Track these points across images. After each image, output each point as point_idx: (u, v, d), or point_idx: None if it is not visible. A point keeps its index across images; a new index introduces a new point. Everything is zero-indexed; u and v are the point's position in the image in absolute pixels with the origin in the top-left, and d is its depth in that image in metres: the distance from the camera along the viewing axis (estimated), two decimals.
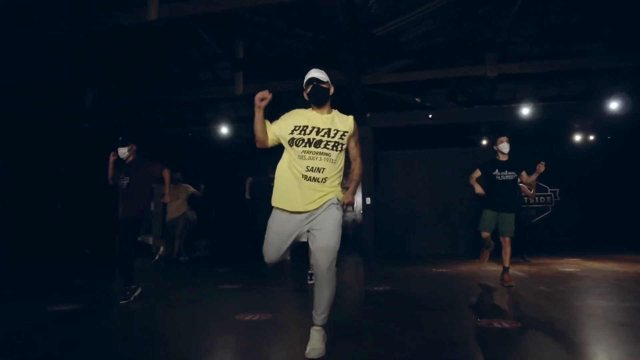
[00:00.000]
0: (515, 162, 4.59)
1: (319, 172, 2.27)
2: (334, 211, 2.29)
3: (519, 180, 4.64)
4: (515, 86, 8.18)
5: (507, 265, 4.57)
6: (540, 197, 9.07)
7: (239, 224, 9.74)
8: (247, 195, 7.82)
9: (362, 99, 6.97)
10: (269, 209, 2.41)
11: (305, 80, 2.38)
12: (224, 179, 9.82)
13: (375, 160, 8.89)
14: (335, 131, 2.31)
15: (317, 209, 2.27)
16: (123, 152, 4.22)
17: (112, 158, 4.35)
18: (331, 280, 2.24)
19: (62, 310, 3.65)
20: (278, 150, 2.46)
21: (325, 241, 2.21)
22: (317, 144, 2.27)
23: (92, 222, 10.08)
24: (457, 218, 8.82)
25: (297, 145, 2.28)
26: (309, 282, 4.84)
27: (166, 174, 4.40)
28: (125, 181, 4.14)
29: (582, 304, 3.67)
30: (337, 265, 2.27)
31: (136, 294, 4.06)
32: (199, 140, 9.03)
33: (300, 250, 7.21)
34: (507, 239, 4.54)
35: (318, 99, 2.35)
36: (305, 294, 4.58)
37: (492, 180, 4.59)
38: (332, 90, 2.39)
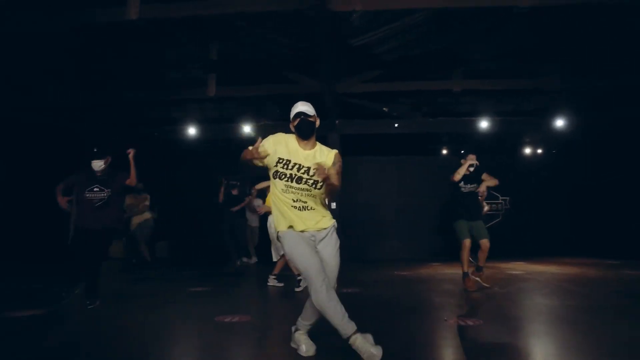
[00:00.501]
0: (477, 175, 5.02)
1: (304, 203, 2.41)
2: (334, 238, 2.47)
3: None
4: (475, 100, 8.72)
5: (481, 264, 4.93)
6: (492, 205, 9.75)
7: (200, 226, 9.70)
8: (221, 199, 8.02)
9: (334, 106, 7.21)
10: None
11: (292, 114, 2.44)
12: (187, 180, 9.76)
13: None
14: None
15: (318, 231, 2.42)
16: (99, 165, 4.15)
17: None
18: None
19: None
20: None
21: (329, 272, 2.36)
22: (298, 180, 2.38)
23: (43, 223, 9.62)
24: (419, 223, 9.27)
25: (280, 179, 2.40)
26: (296, 289, 4.92)
27: (130, 182, 4.34)
28: (105, 194, 4.14)
29: (531, 303, 4.13)
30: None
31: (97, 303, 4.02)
32: (164, 140, 8.88)
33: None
34: (486, 241, 4.85)
35: (305, 132, 2.42)
36: (279, 296, 4.75)
37: (458, 191, 4.98)
38: (318, 122, 2.48)
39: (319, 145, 2.54)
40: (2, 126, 7.66)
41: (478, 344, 2.75)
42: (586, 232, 8.89)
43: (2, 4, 4.47)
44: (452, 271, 6.60)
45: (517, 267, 6.97)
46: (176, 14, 4.57)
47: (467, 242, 4.87)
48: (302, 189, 2.39)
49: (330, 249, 2.43)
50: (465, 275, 4.84)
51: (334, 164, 2.44)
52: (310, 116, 2.42)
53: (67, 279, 4.57)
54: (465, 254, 4.87)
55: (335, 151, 2.54)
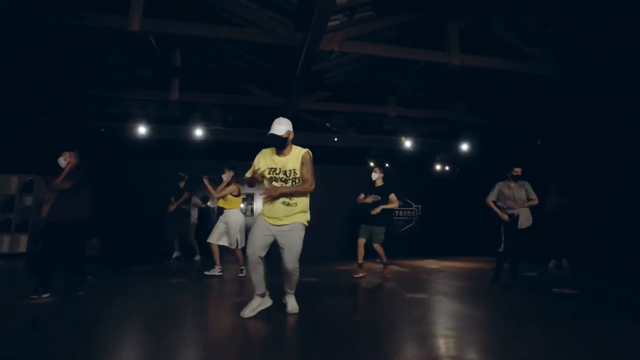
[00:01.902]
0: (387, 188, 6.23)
1: (290, 199, 3.30)
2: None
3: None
4: (399, 121, 10.31)
5: (384, 260, 6.15)
6: (407, 212, 11.48)
7: (136, 224, 9.66)
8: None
9: (289, 119, 8.05)
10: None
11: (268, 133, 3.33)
12: (130, 178, 9.67)
13: None
14: (291, 170, 3.31)
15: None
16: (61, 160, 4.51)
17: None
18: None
19: None
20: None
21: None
22: (285, 181, 3.30)
23: None
24: (342, 226, 10.46)
25: (275, 181, 3.31)
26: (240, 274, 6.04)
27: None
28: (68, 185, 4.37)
29: (450, 284, 5.49)
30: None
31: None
32: (112, 137, 8.76)
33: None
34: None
35: (277, 146, 3.34)
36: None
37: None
38: (291, 136, 3.34)
39: (294, 149, 3.37)
40: None
41: (429, 310, 3.91)
42: (478, 236, 11.02)
43: None
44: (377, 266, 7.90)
45: (432, 263, 8.55)
46: (175, 31, 5.02)
47: (361, 241, 6.13)
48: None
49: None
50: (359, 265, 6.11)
51: (302, 163, 3.31)
52: (278, 136, 3.27)
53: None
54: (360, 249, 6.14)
55: (303, 152, 3.38)
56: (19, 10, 4.77)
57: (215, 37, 5.19)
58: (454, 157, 10.76)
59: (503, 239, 5.73)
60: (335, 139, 9.54)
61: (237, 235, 5.97)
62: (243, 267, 6.11)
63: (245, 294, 4.46)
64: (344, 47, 5.29)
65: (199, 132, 8.72)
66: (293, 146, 3.38)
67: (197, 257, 8.59)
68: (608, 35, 5.74)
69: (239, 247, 6.00)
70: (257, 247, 3.22)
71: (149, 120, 8.81)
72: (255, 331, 2.96)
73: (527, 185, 5.69)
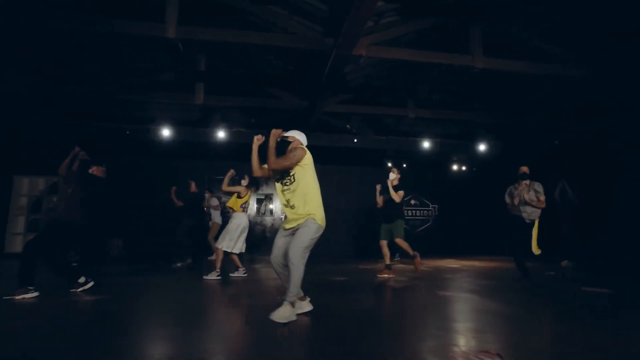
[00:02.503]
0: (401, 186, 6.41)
1: (289, 202, 3.33)
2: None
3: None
4: (413, 121, 10.43)
5: (411, 253, 6.23)
6: (424, 211, 11.59)
7: (157, 223, 9.86)
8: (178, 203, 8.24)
9: (314, 121, 8.23)
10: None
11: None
12: (153, 180, 9.89)
13: None
14: (292, 174, 3.27)
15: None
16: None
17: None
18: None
19: None
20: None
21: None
22: (286, 185, 3.31)
23: None
24: (361, 225, 10.62)
25: (284, 189, 3.36)
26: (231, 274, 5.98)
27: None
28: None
29: (476, 282, 5.60)
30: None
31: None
32: (136, 139, 8.99)
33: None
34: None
35: (281, 149, 3.30)
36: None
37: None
38: (297, 143, 3.35)
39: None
40: None
41: (459, 308, 4.03)
42: (496, 236, 11.07)
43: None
44: (403, 266, 8.03)
45: (452, 263, 8.65)
46: (209, 37, 5.21)
47: (383, 242, 6.27)
48: (286, 190, 3.32)
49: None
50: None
51: (289, 151, 3.30)
52: (285, 137, 3.36)
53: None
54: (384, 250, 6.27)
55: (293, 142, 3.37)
56: (58, 20, 4.97)
57: (247, 43, 5.33)
58: (470, 157, 10.85)
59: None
60: (355, 140, 9.67)
61: (235, 238, 5.78)
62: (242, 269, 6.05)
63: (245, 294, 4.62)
64: (371, 52, 5.43)
65: (221, 134, 8.91)
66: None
67: (212, 257, 8.59)
68: (632, 35, 5.81)
69: (235, 252, 5.82)
70: (276, 255, 3.36)
71: (171, 123, 9.02)
72: (274, 330, 3.10)
73: (537, 186, 5.67)
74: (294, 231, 3.30)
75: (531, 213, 5.64)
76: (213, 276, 5.66)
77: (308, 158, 3.32)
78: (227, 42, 5.26)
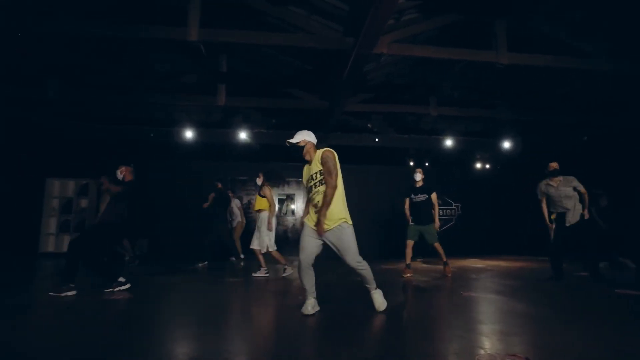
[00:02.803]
0: (428, 186, 6.35)
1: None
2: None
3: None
4: (436, 119, 10.28)
5: (444, 259, 6.28)
6: (447, 210, 11.41)
7: (181, 224, 10.05)
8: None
9: (334, 122, 8.23)
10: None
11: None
12: (177, 181, 10.09)
13: None
14: (316, 173, 3.41)
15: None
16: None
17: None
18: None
19: None
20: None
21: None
22: (314, 185, 3.41)
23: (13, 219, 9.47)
24: (386, 225, 10.55)
25: (310, 190, 3.47)
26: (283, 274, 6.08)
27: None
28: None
29: (502, 282, 5.47)
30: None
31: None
32: (160, 141, 9.20)
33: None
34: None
35: (296, 154, 3.49)
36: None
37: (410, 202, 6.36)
38: (309, 144, 3.45)
39: (317, 153, 3.45)
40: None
41: (490, 308, 3.95)
42: (522, 235, 10.83)
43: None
44: (425, 266, 7.93)
45: (476, 263, 8.48)
46: (230, 39, 5.26)
47: (410, 242, 6.26)
48: (317, 192, 3.38)
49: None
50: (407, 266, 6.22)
51: (322, 164, 3.33)
52: (292, 143, 3.46)
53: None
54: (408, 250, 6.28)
55: (322, 151, 3.39)
56: (89, 28, 5.13)
57: (267, 44, 5.36)
58: (494, 155, 10.61)
59: (552, 237, 5.65)
60: (377, 140, 9.62)
61: (266, 237, 5.96)
62: (286, 266, 6.16)
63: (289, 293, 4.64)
64: (392, 50, 5.38)
65: (242, 135, 9.01)
66: (317, 151, 3.48)
67: (233, 259, 8.62)
68: None
69: (270, 250, 5.98)
70: (308, 255, 3.42)
71: (194, 125, 9.18)
72: (297, 327, 3.11)
73: (575, 181, 5.49)
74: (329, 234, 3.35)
75: (574, 209, 5.44)
76: (262, 273, 6.03)
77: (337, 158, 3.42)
78: (248, 43, 5.29)
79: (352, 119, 9.40)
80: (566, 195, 5.46)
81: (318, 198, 3.35)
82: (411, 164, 10.83)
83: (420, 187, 6.31)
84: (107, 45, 6.89)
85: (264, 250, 5.97)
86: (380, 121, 10.11)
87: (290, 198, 11.08)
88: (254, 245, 6.02)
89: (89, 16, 5.33)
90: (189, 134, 8.94)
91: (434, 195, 6.26)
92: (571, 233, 5.44)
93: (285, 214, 10.94)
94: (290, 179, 11.13)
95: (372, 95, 8.24)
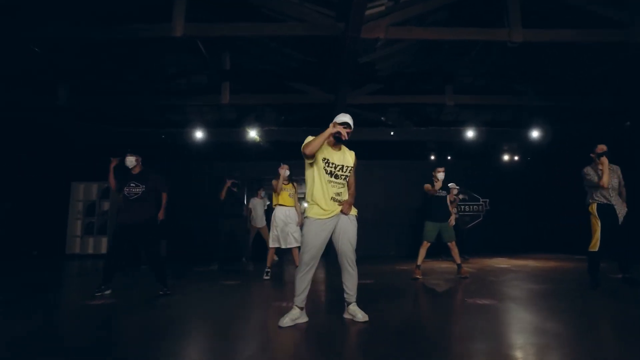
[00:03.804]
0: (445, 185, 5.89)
1: (339, 195, 3.11)
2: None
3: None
4: (459, 110, 9.65)
5: (458, 262, 5.82)
6: (474, 206, 10.69)
7: (198, 225, 10.03)
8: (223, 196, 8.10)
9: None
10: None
11: (340, 121, 3.08)
12: (191, 182, 10.08)
13: None
14: (347, 167, 3.14)
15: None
16: (131, 160, 4.53)
17: (113, 163, 4.55)
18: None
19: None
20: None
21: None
22: (337, 176, 3.10)
23: (42, 222, 9.81)
24: (403, 223, 10.00)
25: (325, 173, 3.07)
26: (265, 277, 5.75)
27: (165, 197, 4.79)
28: (139, 189, 4.44)
29: (523, 287, 4.90)
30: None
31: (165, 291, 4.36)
32: (174, 142, 9.21)
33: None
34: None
35: (341, 140, 3.12)
36: None
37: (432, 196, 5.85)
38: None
39: (344, 148, 3.24)
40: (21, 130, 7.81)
41: (494, 317, 3.45)
42: (557, 231, 9.94)
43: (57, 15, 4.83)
44: (444, 265, 7.40)
45: (502, 262, 7.83)
46: (217, 33, 5.05)
47: (427, 244, 5.82)
48: (338, 183, 3.11)
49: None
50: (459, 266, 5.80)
51: (354, 167, 3.21)
52: (350, 127, 3.12)
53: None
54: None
55: (354, 153, 3.26)
56: (72, 31, 5.07)
57: (259, 36, 5.13)
58: (523, 145, 9.79)
59: (600, 233, 4.84)
60: (392, 133, 9.12)
61: (292, 234, 5.68)
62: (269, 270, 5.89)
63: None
64: (390, 34, 4.95)
65: (252, 134, 8.82)
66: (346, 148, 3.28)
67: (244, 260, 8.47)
68: None
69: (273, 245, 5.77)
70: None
71: (206, 125, 9.11)
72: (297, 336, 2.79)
73: (619, 171, 4.76)
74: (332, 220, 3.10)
75: (620, 203, 4.69)
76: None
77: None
78: (238, 36, 5.08)
79: (365, 112, 8.94)
80: (613, 186, 4.73)
81: (340, 190, 3.13)
82: (432, 157, 10.23)
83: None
84: (116, 50, 6.91)
85: (291, 246, 5.69)
86: (397, 114, 9.60)
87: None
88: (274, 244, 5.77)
89: (78, 21, 5.25)
90: (199, 134, 8.86)
91: (452, 184, 5.85)
92: (618, 231, 4.68)
93: (304, 212, 10.66)
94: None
95: (384, 87, 7.78)
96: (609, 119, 8.52)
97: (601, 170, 4.66)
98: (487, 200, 10.67)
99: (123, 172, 4.60)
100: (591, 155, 4.82)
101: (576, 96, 7.82)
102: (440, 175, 5.78)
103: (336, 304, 3.74)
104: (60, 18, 5.10)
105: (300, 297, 3.07)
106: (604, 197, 4.68)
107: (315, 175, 3.12)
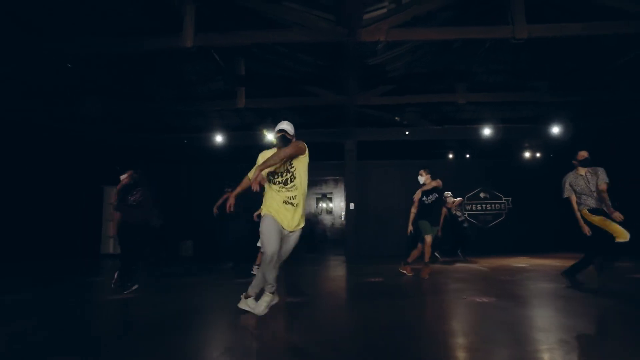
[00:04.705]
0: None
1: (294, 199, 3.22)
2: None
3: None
4: (476, 108, 9.50)
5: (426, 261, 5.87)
6: (496, 205, 10.47)
7: (222, 226, 10.34)
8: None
9: (351, 116, 7.95)
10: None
11: (276, 129, 3.35)
12: (213, 183, 10.45)
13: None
14: (291, 165, 3.21)
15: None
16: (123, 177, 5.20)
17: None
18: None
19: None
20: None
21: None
22: (282, 175, 3.21)
23: (79, 224, 10.45)
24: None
25: (276, 179, 3.22)
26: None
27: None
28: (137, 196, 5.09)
29: (535, 286, 4.83)
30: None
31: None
32: (195, 146, 9.60)
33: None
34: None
35: (282, 144, 3.29)
36: (308, 280, 5.43)
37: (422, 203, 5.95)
38: (294, 139, 3.32)
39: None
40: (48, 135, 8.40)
41: (490, 317, 3.47)
42: (580, 229, 9.56)
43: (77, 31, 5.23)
44: (458, 265, 7.33)
45: (521, 261, 7.67)
46: (225, 42, 5.29)
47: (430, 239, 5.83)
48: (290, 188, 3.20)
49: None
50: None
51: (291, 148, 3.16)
52: (289, 134, 3.34)
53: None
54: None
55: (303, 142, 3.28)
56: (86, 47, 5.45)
57: (264, 42, 5.30)
58: (545, 142, 9.52)
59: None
60: (407, 132, 9.11)
61: None
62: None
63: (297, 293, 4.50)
64: (391, 36, 5.02)
65: (269, 136, 9.06)
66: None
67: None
68: None
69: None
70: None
71: (225, 129, 9.44)
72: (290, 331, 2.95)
73: (600, 172, 4.70)
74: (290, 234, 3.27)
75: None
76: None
77: (307, 152, 3.29)
78: (244, 44, 5.30)
79: (379, 112, 8.99)
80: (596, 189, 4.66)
81: (295, 194, 3.23)
82: (450, 156, 10.12)
83: (430, 188, 5.92)
84: (138, 61, 7.32)
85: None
86: (414, 113, 9.57)
87: (326, 197, 10.95)
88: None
89: (97, 36, 5.64)
90: (219, 138, 9.20)
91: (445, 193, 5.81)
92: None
93: (320, 213, 10.83)
94: (328, 178, 10.98)
95: (397, 87, 7.80)
96: (634, 111, 8.15)
97: (581, 176, 4.78)
98: (510, 198, 10.42)
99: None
100: (573, 162, 4.80)
101: (597, 90, 7.55)
102: (420, 178, 6.04)
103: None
104: (81, 34, 5.52)
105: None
106: (593, 200, 4.71)
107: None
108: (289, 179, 3.19)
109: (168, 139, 9.63)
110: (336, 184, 10.82)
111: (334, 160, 10.00)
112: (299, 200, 3.21)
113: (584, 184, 4.74)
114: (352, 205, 9.05)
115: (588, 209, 4.67)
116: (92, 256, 10.45)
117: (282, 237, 3.18)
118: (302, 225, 3.32)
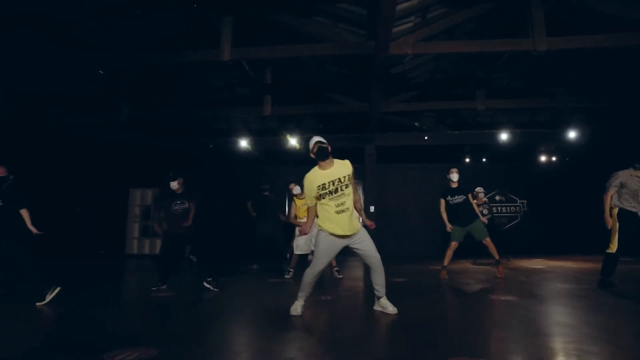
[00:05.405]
0: (465, 187, 5.95)
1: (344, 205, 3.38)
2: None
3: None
4: (493, 113, 9.74)
5: (496, 257, 5.89)
6: (511, 207, 10.69)
7: (245, 228, 10.67)
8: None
9: (374, 122, 8.26)
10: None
11: (311, 143, 3.43)
12: (236, 188, 10.81)
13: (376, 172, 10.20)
14: (345, 177, 3.37)
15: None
16: (174, 185, 5.15)
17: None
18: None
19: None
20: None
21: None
22: (337, 189, 3.34)
23: (105, 225, 10.89)
24: (439, 224, 10.15)
25: (322, 198, 3.37)
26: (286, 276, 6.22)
27: (192, 207, 5.24)
28: (184, 206, 5.10)
29: (553, 287, 5.08)
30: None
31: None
32: (220, 150, 9.99)
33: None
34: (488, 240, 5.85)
35: (323, 155, 3.37)
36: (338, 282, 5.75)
37: (447, 204, 5.94)
38: (329, 148, 3.42)
39: (335, 160, 3.46)
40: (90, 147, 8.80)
41: (515, 313, 3.75)
42: (596, 232, 9.73)
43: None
44: (478, 265, 7.58)
45: (538, 263, 7.90)
46: (260, 55, 5.63)
47: (455, 244, 5.88)
48: (341, 195, 3.36)
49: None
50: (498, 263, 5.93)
51: (352, 176, 3.42)
52: (324, 143, 3.40)
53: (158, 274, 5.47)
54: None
55: (348, 163, 3.47)
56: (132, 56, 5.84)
57: (296, 56, 5.63)
58: (560, 146, 9.72)
59: (617, 236, 4.94)
60: (426, 138, 9.39)
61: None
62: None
63: (330, 292, 4.82)
64: (417, 49, 5.32)
65: (292, 141, 9.40)
66: (333, 159, 3.49)
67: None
68: None
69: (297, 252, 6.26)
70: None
71: (250, 133, 9.81)
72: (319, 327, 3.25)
73: None
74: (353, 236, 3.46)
75: None
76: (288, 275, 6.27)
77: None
78: (275, 58, 5.61)
79: (401, 118, 9.29)
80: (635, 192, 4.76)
81: (346, 200, 3.38)
82: (467, 160, 10.36)
83: (456, 188, 5.93)
84: (168, 68, 7.70)
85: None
86: (432, 119, 9.84)
87: None
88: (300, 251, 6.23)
89: (137, 48, 6.04)
90: (243, 143, 9.56)
91: (471, 197, 5.95)
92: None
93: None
94: None
95: (419, 93, 8.10)
96: None
97: (637, 177, 4.68)
98: (525, 201, 10.64)
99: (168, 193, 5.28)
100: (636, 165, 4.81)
101: (612, 96, 7.76)
102: (453, 176, 5.93)
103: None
104: (123, 47, 5.92)
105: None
106: (634, 202, 4.71)
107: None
108: (339, 188, 3.36)
109: (196, 142, 10.02)
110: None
111: (354, 164, 10.29)
112: (349, 204, 3.39)
113: (637, 186, 4.72)
114: (372, 208, 9.35)
115: (621, 208, 4.77)
116: (117, 256, 10.86)
117: (350, 244, 3.48)
118: (360, 226, 3.54)
